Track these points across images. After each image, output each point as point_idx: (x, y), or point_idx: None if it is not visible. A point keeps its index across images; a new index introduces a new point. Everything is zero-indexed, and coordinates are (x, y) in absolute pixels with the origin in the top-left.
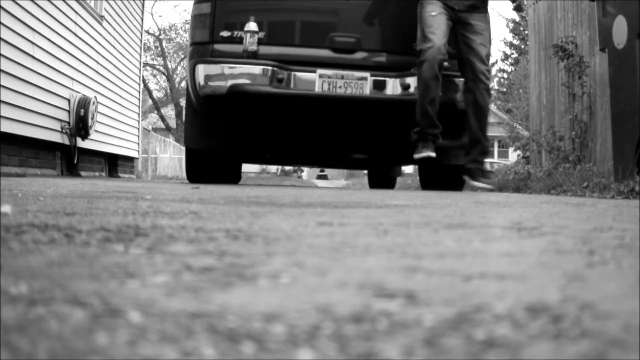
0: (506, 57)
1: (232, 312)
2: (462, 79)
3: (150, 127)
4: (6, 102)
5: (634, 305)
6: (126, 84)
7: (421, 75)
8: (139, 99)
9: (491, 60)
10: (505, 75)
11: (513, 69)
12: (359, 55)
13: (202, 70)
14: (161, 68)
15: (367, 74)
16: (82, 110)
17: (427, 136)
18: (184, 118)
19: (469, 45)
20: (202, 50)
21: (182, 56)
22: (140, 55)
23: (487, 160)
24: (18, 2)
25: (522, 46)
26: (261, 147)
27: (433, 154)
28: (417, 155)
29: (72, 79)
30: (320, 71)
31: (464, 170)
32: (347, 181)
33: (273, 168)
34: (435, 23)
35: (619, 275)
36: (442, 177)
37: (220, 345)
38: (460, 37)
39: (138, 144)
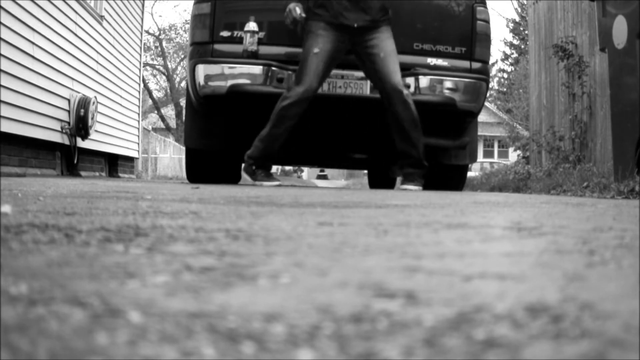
0: (506, 57)
1: (232, 312)
2: (460, 79)
3: (150, 127)
4: (6, 102)
5: (634, 305)
6: (126, 84)
7: (285, 113)
8: (139, 99)
9: (491, 60)
10: (505, 75)
11: (513, 69)
12: None
13: (202, 70)
14: (161, 68)
15: None
16: (82, 110)
17: (267, 166)
18: (184, 118)
19: (374, 61)
20: (202, 50)
21: (182, 56)
22: (140, 55)
23: (419, 170)
24: (18, 2)
25: (522, 46)
26: None
27: (276, 183)
28: (258, 183)
29: (72, 79)
30: None
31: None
32: (347, 181)
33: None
34: (315, 62)
35: (619, 275)
36: (442, 177)
37: (220, 345)
38: (364, 56)
39: (138, 144)
